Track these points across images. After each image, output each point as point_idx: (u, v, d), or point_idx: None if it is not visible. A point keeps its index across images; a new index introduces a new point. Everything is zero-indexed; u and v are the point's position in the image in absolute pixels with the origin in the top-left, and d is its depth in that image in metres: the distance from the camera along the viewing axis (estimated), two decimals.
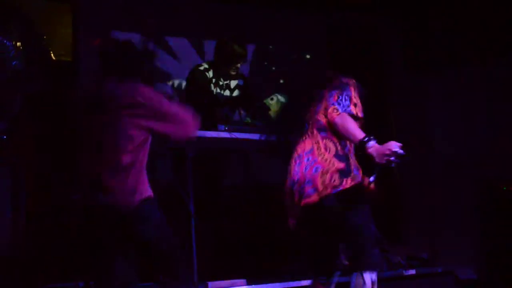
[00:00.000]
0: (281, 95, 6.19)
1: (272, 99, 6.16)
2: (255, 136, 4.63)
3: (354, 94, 3.47)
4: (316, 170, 3.41)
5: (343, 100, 3.43)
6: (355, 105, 3.45)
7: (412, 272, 5.19)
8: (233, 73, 5.03)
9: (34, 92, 5.24)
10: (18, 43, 5.27)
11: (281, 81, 6.29)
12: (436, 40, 5.95)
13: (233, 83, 5.11)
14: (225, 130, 4.48)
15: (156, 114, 3.39)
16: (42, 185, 5.11)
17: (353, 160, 3.49)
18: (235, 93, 5.13)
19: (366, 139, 3.29)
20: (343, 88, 3.47)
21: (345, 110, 3.40)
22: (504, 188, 5.43)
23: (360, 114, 3.47)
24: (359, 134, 3.33)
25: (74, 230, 4.67)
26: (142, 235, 3.41)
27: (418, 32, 6.09)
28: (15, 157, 4.96)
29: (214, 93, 5.02)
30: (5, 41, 5.10)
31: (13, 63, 5.18)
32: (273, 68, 6.30)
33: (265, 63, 6.27)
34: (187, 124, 3.43)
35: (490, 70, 5.70)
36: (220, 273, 4.60)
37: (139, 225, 3.39)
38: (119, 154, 3.38)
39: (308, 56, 6.24)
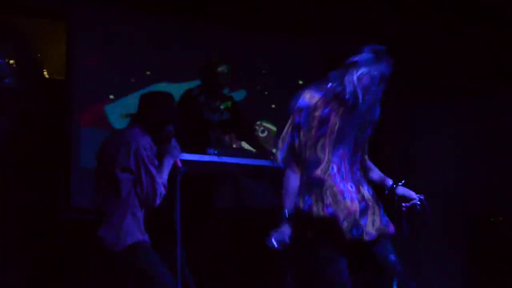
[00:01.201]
0: (267, 122, 6.19)
1: (263, 131, 6.16)
2: (244, 161, 4.62)
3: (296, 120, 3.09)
4: None
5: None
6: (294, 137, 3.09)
7: None
8: (222, 95, 5.06)
9: (27, 109, 5.25)
10: (11, 61, 5.29)
11: (273, 105, 6.30)
12: (425, 70, 5.96)
13: (223, 107, 5.12)
14: (214, 154, 4.46)
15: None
16: (34, 199, 5.14)
17: None
18: (225, 116, 5.14)
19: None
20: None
21: (283, 168, 3.13)
22: (492, 220, 5.44)
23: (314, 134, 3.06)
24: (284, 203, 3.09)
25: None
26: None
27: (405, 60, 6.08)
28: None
29: (205, 117, 5.02)
30: None
31: (6, 80, 5.20)
32: (266, 93, 6.31)
33: (258, 88, 6.28)
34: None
35: (481, 101, 5.71)
36: None
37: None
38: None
39: (301, 82, 6.26)
